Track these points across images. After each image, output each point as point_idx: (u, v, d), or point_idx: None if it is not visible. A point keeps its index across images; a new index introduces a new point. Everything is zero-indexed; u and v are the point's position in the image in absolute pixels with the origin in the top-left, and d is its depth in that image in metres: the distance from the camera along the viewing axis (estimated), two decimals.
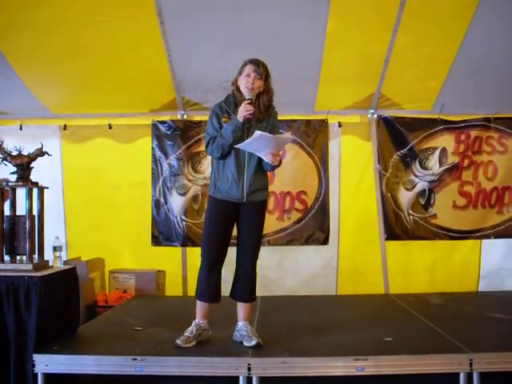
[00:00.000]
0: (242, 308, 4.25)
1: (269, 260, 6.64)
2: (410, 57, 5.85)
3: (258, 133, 3.79)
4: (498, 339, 4.24)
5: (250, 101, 3.97)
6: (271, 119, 4.15)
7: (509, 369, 3.77)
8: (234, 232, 4.24)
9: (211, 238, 4.18)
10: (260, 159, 4.06)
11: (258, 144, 3.89)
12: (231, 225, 4.20)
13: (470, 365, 3.73)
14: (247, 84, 4.00)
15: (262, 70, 4.03)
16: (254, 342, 4.04)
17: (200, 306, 4.22)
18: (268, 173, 4.28)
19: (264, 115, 4.10)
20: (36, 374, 3.84)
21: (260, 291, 6.25)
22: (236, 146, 3.94)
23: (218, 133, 4.06)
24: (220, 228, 4.17)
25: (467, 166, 6.70)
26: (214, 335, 4.24)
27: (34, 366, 3.84)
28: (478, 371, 3.73)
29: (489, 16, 5.29)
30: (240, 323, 4.22)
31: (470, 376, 3.73)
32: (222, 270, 4.21)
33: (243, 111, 3.94)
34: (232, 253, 4.24)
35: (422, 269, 6.72)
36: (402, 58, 5.84)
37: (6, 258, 4.30)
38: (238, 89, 4.10)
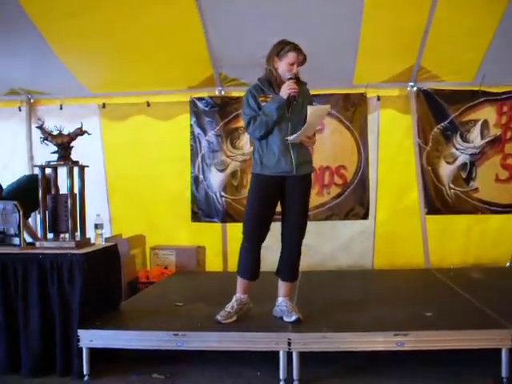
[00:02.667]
0: (283, 285, 4.26)
1: (308, 226, 6.66)
2: (450, 28, 5.74)
3: (322, 107, 4.03)
4: None
5: (293, 80, 3.98)
6: (306, 96, 4.16)
7: None
8: (278, 208, 4.22)
9: (255, 216, 4.18)
10: None
11: (315, 119, 4.02)
12: (275, 203, 4.19)
13: None
14: (290, 71, 4.01)
15: (303, 60, 4.06)
16: (294, 318, 4.05)
17: (241, 282, 4.24)
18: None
19: (300, 89, 4.08)
20: (81, 349, 3.93)
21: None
22: (289, 140, 4.01)
23: (257, 113, 4.05)
24: (265, 206, 4.16)
25: (510, 138, 6.57)
26: (254, 310, 4.27)
27: (78, 340, 3.93)
28: None
29: None
30: (280, 299, 4.23)
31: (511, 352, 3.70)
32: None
33: (288, 88, 3.95)
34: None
35: (457, 233, 6.68)
36: (442, 30, 5.73)
37: (50, 235, 4.38)
38: (275, 69, 4.08)
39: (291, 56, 4.02)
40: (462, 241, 6.66)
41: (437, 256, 6.59)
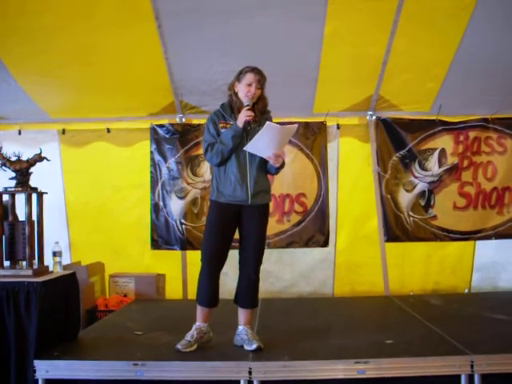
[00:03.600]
0: (243, 313, 4.24)
1: (268, 253, 6.65)
2: (408, 59, 5.85)
3: (267, 123, 3.85)
4: (498, 340, 4.22)
5: (248, 107, 3.99)
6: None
7: (510, 370, 3.77)
8: (237, 235, 4.23)
9: (212, 243, 4.16)
10: (262, 161, 4.09)
11: (265, 139, 3.91)
12: (233, 230, 4.19)
13: (471, 366, 3.72)
14: (248, 93, 4.03)
15: (262, 80, 4.07)
16: (254, 346, 4.03)
17: (200, 310, 4.22)
18: (268, 176, 4.29)
19: (260, 119, 4.11)
20: (37, 380, 3.83)
21: (260, 283, 6.37)
22: (245, 148, 3.97)
23: (216, 139, 4.07)
24: (221, 233, 4.15)
25: (467, 166, 6.69)
26: (214, 339, 4.24)
27: (34, 371, 3.84)
28: (479, 373, 3.72)
29: (485, 18, 5.30)
30: (240, 327, 4.21)
31: (471, 378, 3.73)
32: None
33: (244, 116, 3.96)
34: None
35: (416, 260, 6.77)
36: (400, 60, 5.84)
37: (6, 263, 4.30)
38: (235, 94, 4.12)
39: (248, 76, 4.05)
40: (421, 268, 6.74)
41: (397, 283, 6.63)
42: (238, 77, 4.11)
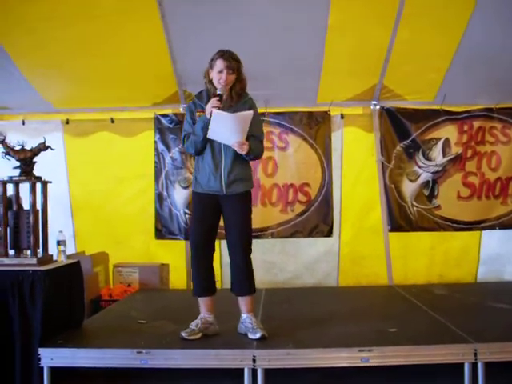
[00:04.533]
0: (242, 301, 4.24)
1: (271, 245, 6.73)
2: (412, 48, 5.85)
3: (214, 112, 3.83)
4: (502, 329, 4.23)
5: (219, 97, 3.94)
6: (249, 109, 4.05)
7: None
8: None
9: (197, 233, 4.18)
10: None
11: (220, 127, 3.89)
12: (216, 219, 4.18)
13: (475, 355, 3.72)
14: (220, 80, 3.99)
15: (233, 64, 4.00)
16: (258, 335, 4.03)
17: (201, 301, 4.25)
18: (250, 163, 4.25)
19: (237, 103, 4.08)
20: (42, 368, 3.85)
21: (263, 274, 6.41)
22: (208, 136, 3.94)
23: (193, 129, 4.07)
24: (204, 223, 4.16)
25: (471, 156, 6.68)
26: (219, 328, 4.25)
27: (39, 359, 3.85)
28: (482, 361, 3.72)
29: (489, 8, 5.30)
30: (244, 315, 4.22)
31: (474, 366, 3.73)
32: None
33: (210, 107, 3.92)
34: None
35: (421, 253, 6.75)
36: (404, 50, 5.84)
37: (11, 252, 4.30)
38: (210, 81, 4.08)
39: (218, 63, 4.00)
40: (425, 261, 6.72)
41: (401, 276, 6.62)
42: (211, 63, 4.06)
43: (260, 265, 6.59)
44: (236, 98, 4.09)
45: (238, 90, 4.09)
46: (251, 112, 3.95)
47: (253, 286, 4.24)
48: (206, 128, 3.93)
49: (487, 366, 3.73)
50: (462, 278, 6.67)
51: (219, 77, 3.99)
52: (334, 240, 6.75)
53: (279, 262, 6.76)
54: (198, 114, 4.08)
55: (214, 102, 3.91)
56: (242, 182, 4.12)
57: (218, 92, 3.97)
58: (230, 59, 4.00)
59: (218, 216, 4.18)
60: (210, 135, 3.94)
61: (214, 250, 4.23)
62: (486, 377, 3.72)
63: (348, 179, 6.75)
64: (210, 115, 3.88)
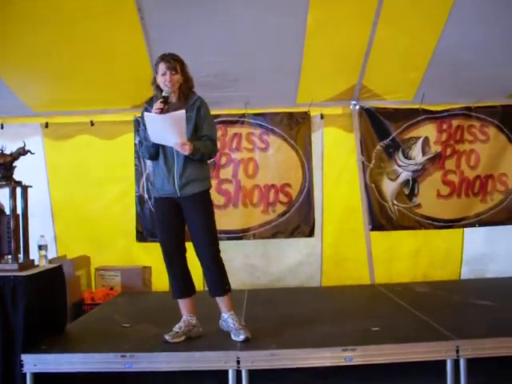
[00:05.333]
0: (220, 301, 4.24)
1: (254, 248, 6.73)
2: (390, 48, 5.87)
3: (145, 114, 3.92)
4: (483, 326, 4.26)
5: (163, 98, 3.95)
6: (197, 110, 4.09)
7: (495, 354, 3.82)
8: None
9: (162, 238, 4.22)
10: None
11: (157, 129, 3.93)
12: (178, 221, 4.17)
13: (457, 351, 3.77)
14: (165, 82, 4.00)
15: (174, 64, 4.01)
16: (242, 337, 4.04)
17: (180, 303, 4.27)
18: (207, 164, 4.26)
19: (186, 104, 4.08)
20: (25, 374, 3.83)
21: (245, 277, 6.41)
22: (150, 139, 3.99)
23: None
24: (166, 227, 4.18)
25: (450, 154, 6.74)
26: (202, 330, 4.25)
27: (22, 365, 3.83)
28: (464, 358, 3.77)
29: (466, 6, 5.32)
30: (225, 315, 4.22)
31: (456, 363, 3.78)
32: None
33: (154, 110, 3.93)
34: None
35: (405, 255, 6.77)
36: (383, 50, 5.86)
37: None
38: (157, 87, 4.09)
39: (160, 67, 4.02)
40: (410, 263, 6.75)
41: (385, 278, 6.60)
42: (155, 69, 4.08)
43: (243, 267, 6.63)
44: (184, 98, 4.10)
45: (184, 90, 4.10)
46: (182, 112, 3.90)
47: (227, 285, 4.23)
48: None
49: (469, 362, 3.77)
50: (445, 278, 6.68)
51: (164, 79, 4.00)
52: (317, 242, 6.76)
53: (262, 265, 6.77)
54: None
55: (157, 104, 3.93)
56: (196, 183, 4.10)
57: (164, 94, 3.98)
58: (171, 60, 4.02)
59: (180, 219, 4.17)
60: (152, 138, 3.97)
61: (185, 251, 4.22)
62: (468, 373, 3.76)
63: (329, 180, 6.76)
64: None
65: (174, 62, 4.01)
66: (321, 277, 6.76)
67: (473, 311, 4.89)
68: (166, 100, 3.94)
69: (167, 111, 3.93)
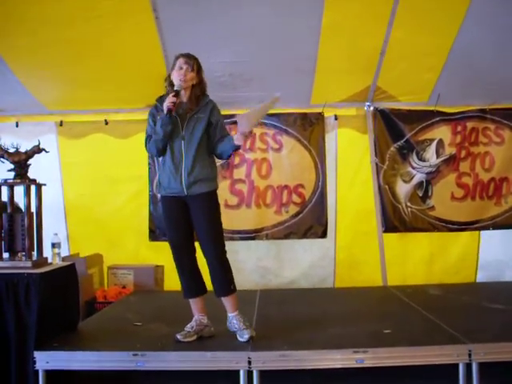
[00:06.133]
0: (226, 301, 4.22)
1: (267, 250, 6.72)
2: (405, 49, 5.85)
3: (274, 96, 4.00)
4: (496, 329, 4.24)
5: (175, 92, 3.97)
6: (210, 111, 4.12)
7: (507, 359, 3.79)
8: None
9: (170, 237, 4.24)
10: (200, 150, 4.06)
11: (260, 112, 4.07)
12: (186, 220, 4.16)
13: (469, 355, 3.74)
14: (180, 76, 4.01)
15: (192, 62, 4.05)
16: (246, 336, 4.04)
17: (191, 303, 4.28)
18: (215, 164, 4.27)
19: (198, 106, 4.10)
20: (37, 371, 3.84)
21: (257, 280, 6.39)
22: (238, 117, 4.05)
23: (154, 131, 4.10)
24: (174, 225, 4.19)
25: (464, 157, 6.71)
26: (214, 330, 4.26)
27: (34, 362, 3.85)
28: (476, 362, 3.74)
29: (483, 7, 5.30)
30: (230, 315, 4.20)
31: (468, 366, 3.75)
32: None
33: (166, 103, 3.95)
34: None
35: (419, 260, 6.73)
36: (398, 51, 5.84)
37: (5, 255, 4.30)
38: (170, 84, 4.10)
39: (178, 62, 4.06)
40: (424, 268, 6.71)
41: (394, 273, 6.59)
42: (173, 65, 4.12)
43: (255, 269, 6.62)
44: (196, 100, 4.11)
45: (197, 92, 4.12)
46: (277, 94, 4.05)
47: (232, 285, 4.21)
48: (164, 126, 3.97)
49: (481, 367, 3.75)
50: (461, 279, 6.64)
51: (178, 73, 4.02)
52: (330, 244, 6.74)
53: (274, 267, 6.76)
54: (159, 116, 4.08)
55: (170, 97, 3.95)
56: (204, 183, 4.10)
57: (176, 88, 4.00)
58: (191, 58, 4.07)
59: (186, 215, 4.17)
60: (245, 115, 4.04)
61: (194, 250, 4.22)
62: (480, 377, 3.74)
63: (343, 181, 6.75)
64: (168, 112, 3.94)
65: (193, 60, 4.06)
66: (334, 280, 6.74)
67: (486, 315, 4.85)
68: (177, 94, 3.98)
69: (178, 108, 3.99)
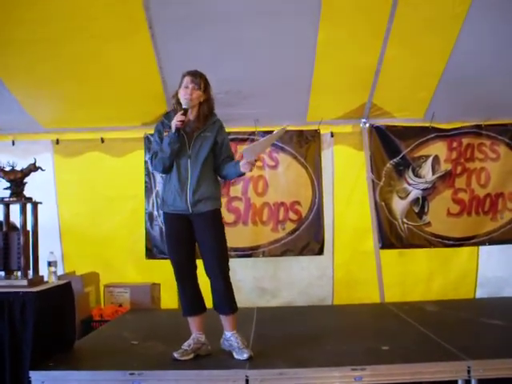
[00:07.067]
0: (225, 320, 4.20)
1: (264, 270, 6.69)
2: (401, 67, 5.87)
3: (278, 130, 4.03)
4: (495, 346, 4.24)
5: (183, 111, 3.98)
6: (217, 130, 4.14)
7: (507, 375, 3.78)
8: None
9: (172, 254, 4.21)
10: (205, 169, 4.09)
11: (266, 143, 4.13)
12: (189, 238, 4.16)
13: (468, 372, 3.73)
14: (185, 95, 4.01)
15: (199, 80, 4.06)
16: (245, 356, 4.02)
17: (190, 321, 4.25)
18: (219, 183, 4.30)
19: (205, 124, 4.11)
20: None
21: (255, 300, 6.31)
22: (244, 150, 4.05)
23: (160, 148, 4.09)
24: (177, 243, 4.17)
25: (460, 173, 6.71)
26: (211, 347, 4.23)
27: (30, 382, 3.82)
28: (475, 378, 3.73)
29: (477, 25, 5.33)
30: (228, 334, 4.18)
31: (467, 383, 3.74)
32: None
33: (175, 121, 3.95)
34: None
35: (418, 277, 6.70)
36: (393, 68, 5.86)
37: (1, 273, 4.29)
38: (177, 101, 4.10)
39: (185, 80, 4.06)
40: (423, 286, 6.68)
41: (393, 291, 6.56)
42: (180, 83, 4.11)
43: (253, 289, 6.58)
44: (203, 119, 4.12)
45: (205, 110, 4.12)
46: (283, 129, 4.07)
47: (234, 305, 4.20)
48: (172, 144, 3.97)
49: (481, 383, 3.73)
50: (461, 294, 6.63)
51: (185, 91, 4.03)
52: (328, 263, 6.71)
53: (271, 288, 6.71)
54: (165, 133, 4.09)
55: (178, 116, 3.96)
56: (209, 201, 4.10)
57: (184, 106, 3.99)
58: (197, 76, 4.07)
59: (189, 233, 4.16)
60: (251, 147, 4.13)
61: (195, 268, 4.21)
62: None
63: (340, 199, 6.73)
64: (176, 130, 3.94)
65: (199, 78, 4.06)
66: (332, 299, 6.70)
67: (484, 331, 4.85)
68: (186, 112, 3.98)
69: (185, 126, 4.00)
